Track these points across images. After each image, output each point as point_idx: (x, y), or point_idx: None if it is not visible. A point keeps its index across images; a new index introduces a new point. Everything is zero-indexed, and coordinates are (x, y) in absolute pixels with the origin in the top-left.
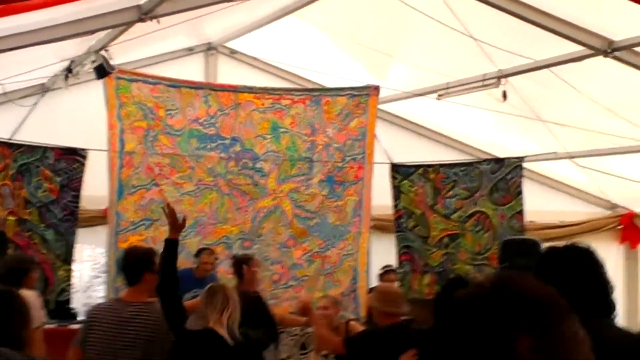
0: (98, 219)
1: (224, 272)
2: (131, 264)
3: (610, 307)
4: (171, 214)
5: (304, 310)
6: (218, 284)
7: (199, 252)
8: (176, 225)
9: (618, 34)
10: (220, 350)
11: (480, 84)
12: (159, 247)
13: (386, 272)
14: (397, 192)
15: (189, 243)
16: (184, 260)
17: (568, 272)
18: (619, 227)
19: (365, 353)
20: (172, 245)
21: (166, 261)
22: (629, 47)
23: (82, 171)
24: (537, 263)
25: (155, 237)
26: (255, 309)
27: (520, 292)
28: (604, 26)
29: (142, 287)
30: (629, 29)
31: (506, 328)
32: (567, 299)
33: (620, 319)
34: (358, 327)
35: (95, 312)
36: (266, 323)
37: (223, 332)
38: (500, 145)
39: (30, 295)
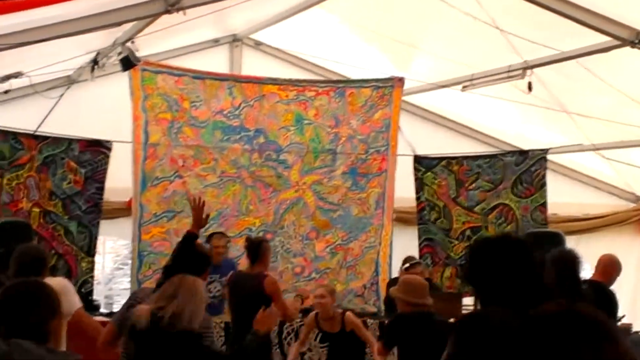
0: (121, 211)
1: (246, 264)
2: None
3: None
4: (199, 208)
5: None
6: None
7: (209, 238)
8: (200, 219)
9: None
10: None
11: (506, 75)
12: (180, 239)
13: (412, 266)
14: (420, 184)
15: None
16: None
17: (501, 263)
18: None
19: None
20: (190, 238)
21: (179, 253)
22: None
23: (106, 163)
24: (469, 253)
25: (177, 230)
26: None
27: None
28: (631, 17)
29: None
30: None
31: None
32: (500, 289)
33: None
34: (354, 318)
35: (140, 294)
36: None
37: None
38: (525, 137)
39: (59, 282)
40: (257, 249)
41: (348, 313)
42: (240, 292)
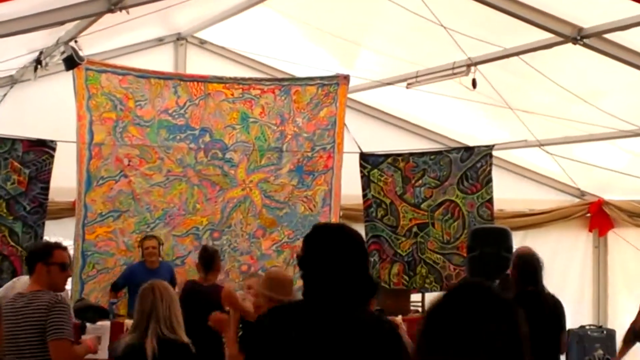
0: (66, 211)
1: (193, 264)
2: (27, 257)
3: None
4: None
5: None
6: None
7: (141, 242)
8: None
9: (587, 21)
10: None
11: (450, 72)
12: (127, 239)
13: None
14: (367, 182)
15: (158, 234)
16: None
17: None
18: (588, 214)
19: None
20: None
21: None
22: (598, 34)
23: (51, 163)
24: (307, 238)
25: (123, 229)
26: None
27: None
28: (574, 13)
29: (35, 278)
30: (598, 16)
31: None
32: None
33: (590, 306)
34: None
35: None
36: None
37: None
38: (470, 133)
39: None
40: (211, 258)
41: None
42: (196, 303)
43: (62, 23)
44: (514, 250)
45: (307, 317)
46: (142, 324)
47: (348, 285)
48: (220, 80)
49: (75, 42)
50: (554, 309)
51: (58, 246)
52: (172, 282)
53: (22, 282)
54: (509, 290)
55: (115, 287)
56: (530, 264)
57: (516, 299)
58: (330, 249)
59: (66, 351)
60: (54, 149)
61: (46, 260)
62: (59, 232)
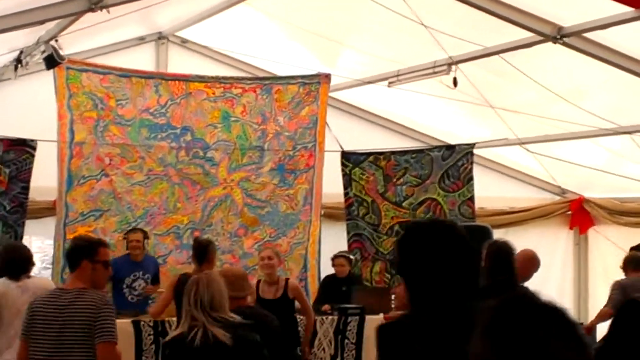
0: (47, 210)
1: (174, 262)
2: (70, 252)
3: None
4: None
5: None
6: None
7: (125, 234)
8: None
9: (567, 20)
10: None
11: (431, 71)
12: (108, 238)
13: (336, 257)
14: (348, 180)
15: None
16: None
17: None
18: (569, 212)
19: None
20: None
21: None
22: (578, 33)
23: (31, 162)
24: (399, 240)
25: (104, 228)
26: None
27: None
28: (554, 12)
29: (79, 274)
30: (578, 15)
31: None
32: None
33: (570, 302)
34: (296, 285)
35: (37, 303)
36: None
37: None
38: (451, 132)
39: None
40: (205, 250)
41: (291, 279)
42: None
43: (42, 22)
44: None
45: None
46: (188, 315)
47: (463, 284)
48: (201, 79)
49: (56, 41)
50: None
51: (102, 243)
52: (156, 275)
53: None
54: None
55: None
56: (503, 252)
57: (488, 289)
58: (430, 247)
59: (114, 354)
60: (34, 148)
61: (92, 257)
62: (40, 232)
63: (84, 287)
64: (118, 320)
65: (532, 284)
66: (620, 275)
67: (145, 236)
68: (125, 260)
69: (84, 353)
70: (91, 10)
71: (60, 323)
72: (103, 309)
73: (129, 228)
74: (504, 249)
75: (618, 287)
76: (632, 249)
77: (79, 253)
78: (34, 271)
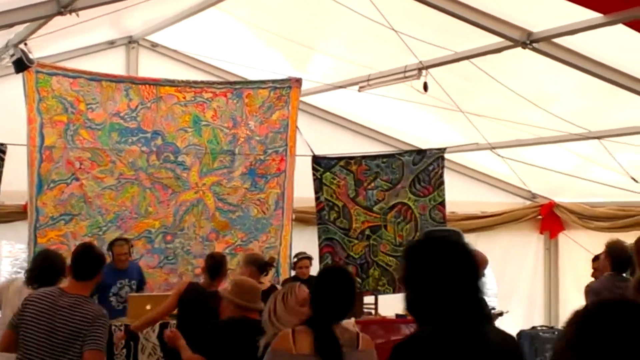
0: (18, 214)
1: (145, 266)
2: (90, 260)
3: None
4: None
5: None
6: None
7: (110, 246)
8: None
9: (537, 26)
10: None
11: (402, 75)
12: (79, 242)
13: (300, 259)
14: (319, 185)
15: (110, 237)
16: (106, 257)
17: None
18: (539, 217)
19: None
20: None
21: None
22: (547, 38)
23: (1, 166)
24: (407, 253)
25: (75, 232)
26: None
27: None
28: (523, 18)
29: (89, 284)
30: (548, 20)
31: None
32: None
33: (541, 307)
34: None
35: (32, 297)
36: None
37: None
38: (422, 136)
39: None
40: (220, 265)
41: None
42: (198, 307)
43: (11, 25)
44: None
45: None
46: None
47: (462, 300)
48: (172, 83)
49: (25, 44)
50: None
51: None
52: (141, 280)
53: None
54: None
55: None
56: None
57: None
58: (439, 262)
59: None
60: (4, 152)
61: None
62: (10, 236)
63: (86, 296)
64: None
65: (502, 287)
66: (589, 280)
67: (130, 245)
68: (109, 268)
69: (70, 357)
70: (60, 13)
71: (54, 324)
72: (99, 319)
73: (100, 232)
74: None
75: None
76: (594, 259)
77: (99, 263)
78: (4, 274)
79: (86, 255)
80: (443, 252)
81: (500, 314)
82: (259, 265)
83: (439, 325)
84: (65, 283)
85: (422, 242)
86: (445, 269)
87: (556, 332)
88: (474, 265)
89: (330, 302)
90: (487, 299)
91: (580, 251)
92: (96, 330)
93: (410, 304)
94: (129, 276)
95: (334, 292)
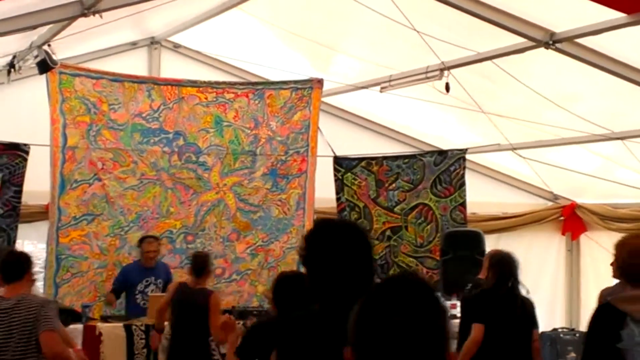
0: (40, 214)
1: None
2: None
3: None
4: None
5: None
6: None
7: (140, 242)
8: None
9: (559, 26)
10: None
11: (423, 76)
12: (101, 242)
13: None
14: (340, 185)
15: (132, 237)
16: (127, 256)
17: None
18: (561, 218)
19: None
20: None
21: None
22: (570, 38)
23: (24, 166)
24: (310, 234)
25: (97, 232)
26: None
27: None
28: (546, 18)
29: (21, 284)
30: (570, 20)
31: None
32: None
33: (562, 309)
34: None
35: None
36: None
37: None
38: (443, 137)
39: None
40: (204, 263)
41: None
42: (186, 306)
43: (35, 27)
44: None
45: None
46: None
47: (355, 281)
48: (194, 84)
49: (49, 45)
50: (527, 308)
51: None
52: (168, 281)
53: None
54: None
55: (116, 294)
56: (506, 263)
57: (490, 299)
58: (337, 244)
59: (55, 340)
60: (27, 153)
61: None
62: (32, 236)
63: (25, 293)
64: (109, 324)
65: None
66: (611, 282)
67: (159, 243)
68: (137, 266)
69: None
70: (84, 15)
71: (5, 327)
72: (46, 306)
73: (122, 233)
74: (507, 259)
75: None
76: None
77: (25, 265)
78: None
79: (9, 259)
80: (337, 235)
81: None
82: None
83: (326, 304)
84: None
85: (318, 225)
86: (338, 251)
87: (577, 334)
88: (367, 248)
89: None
90: None
91: (602, 252)
92: (45, 314)
93: (311, 285)
94: (156, 275)
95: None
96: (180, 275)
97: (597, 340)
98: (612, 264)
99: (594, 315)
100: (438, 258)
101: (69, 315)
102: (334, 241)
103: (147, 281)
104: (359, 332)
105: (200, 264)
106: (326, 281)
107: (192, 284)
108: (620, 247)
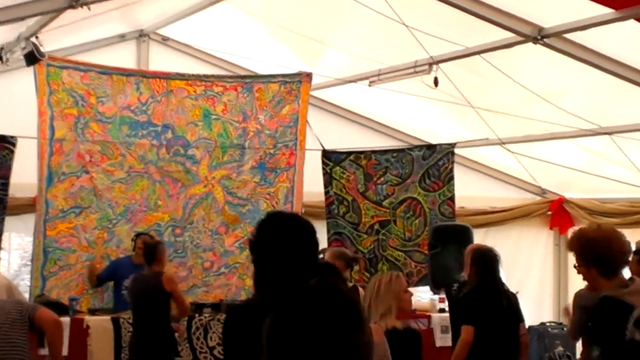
0: (27, 207)
1: None
2: None
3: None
4: None
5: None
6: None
7: (135, 239)
8: None
9: (548, 21)
10: None
11: (412, 70)
12: (89, 235)
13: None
14: (329, 179)
15: (119, 230)
16: (115, 249)
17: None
18: (549, 212)
19: None
20: None
21: None
22: (558, 33)
23: (11, 159)
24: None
25: (85, 225)
26: None
27: None
28: (534, 13)
29: None
30: (559, 15)
31: None
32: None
33: (550, 303)
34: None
35: None
36: None
37: None
38: (432, 131)
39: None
40: (153, 250)
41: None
42: (141, 292)
43: (22, 19)
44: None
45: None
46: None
47: (296, 274)
48: (182, 77)
49: (37, 37)
50: (512, 302)
51: None
52: None
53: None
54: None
55: (99, 281)
56: (488, 259)
57: (474, 294)
58: (282, 236)
59: (50, 313)
60: (14, 145)
61: None
62: (20, 228)
63: None
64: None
65: (511, 283)
66: None
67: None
68: (128, 262)
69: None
70: (72, 7)
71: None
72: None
73: (110, 225)
74: (488, 254)
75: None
76: None
77: None
78: (13, 267)
79: None
80: (283, 228)
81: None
82: (347, 260)
83: (270, 295)
84: None
85: (267, 219)
86: (284, 243)
87: (565, 328)
88: (311, 241)
89: None
90: None
91: None
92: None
93: (255, 275)
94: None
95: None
96: (169, 269)
97: (606, 333)
98: (578, 266)
99: (598, 308)
100: (426, 252)
101: (55, 308)
102: (279, 233)
103: None
104: (271, 345)
105: (149, 251)
106: (269, 271)
107: (147, 272)
108: (583, 240)
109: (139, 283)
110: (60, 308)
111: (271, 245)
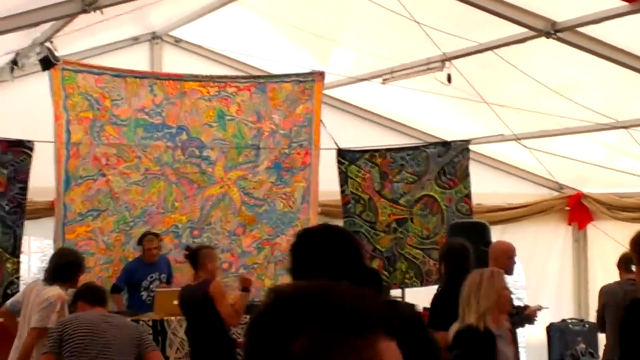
0: (46, 210)
1: (173, 261)
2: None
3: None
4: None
5: (244, 283)
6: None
7: (140, 240)
8: None
9: (561, 15)
10: None
11: (425, 67)
12: (107, 238)
13: None
14: (344, 178)
15: (137, 233)
16: (132, 252)
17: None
18: (567, 208)
19: None
20: None
21: None
22: (571, 27)
23: (29, 163)
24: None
25: (102, 228)
26: None
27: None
28: (547, 7)
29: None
30: (572, 9)
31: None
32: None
33: (570, 299)
34: None
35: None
36: None
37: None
38: (447, 128)
39: None
40: (194, 257)
41: None
42: (190, 302)
43: (37, 24)
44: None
45: None
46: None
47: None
48: (195, 78)
49: (51, 42)
50: None
51: None
52: (170, 274)
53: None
54: None
55: (116, 289)
56: (456, 255)
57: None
58: (321, 252)
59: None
60: (31, 149)
61: None
62: (39, 232)
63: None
64: None
65: (530, 280)
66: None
67: (160, 239)
68: (140, 263)
69: None
70: (85, 11)
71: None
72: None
73: (127, 228)
74: (461, 250)
75: (600, 294)
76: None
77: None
78: (33, 270)
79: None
80: (321, 242)
81: (539, 308)
82: None
83: None
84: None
85: (300, 235)
86: (323, 259)
87: (586, 325)
88: (357, 251)
89: None
90: (515, 291)
91: (610, 242)
92: (144, 334)
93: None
94: (159, 269)
95: None
96: (188, 270)
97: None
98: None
99: (629, 312)
100: None
101: None
102: (317, 249)
103: (151, 277)
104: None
105: (191, 257)
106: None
107: (193, 280)
108: None
109: (187, 292)
110: None
111: (313, 263)
